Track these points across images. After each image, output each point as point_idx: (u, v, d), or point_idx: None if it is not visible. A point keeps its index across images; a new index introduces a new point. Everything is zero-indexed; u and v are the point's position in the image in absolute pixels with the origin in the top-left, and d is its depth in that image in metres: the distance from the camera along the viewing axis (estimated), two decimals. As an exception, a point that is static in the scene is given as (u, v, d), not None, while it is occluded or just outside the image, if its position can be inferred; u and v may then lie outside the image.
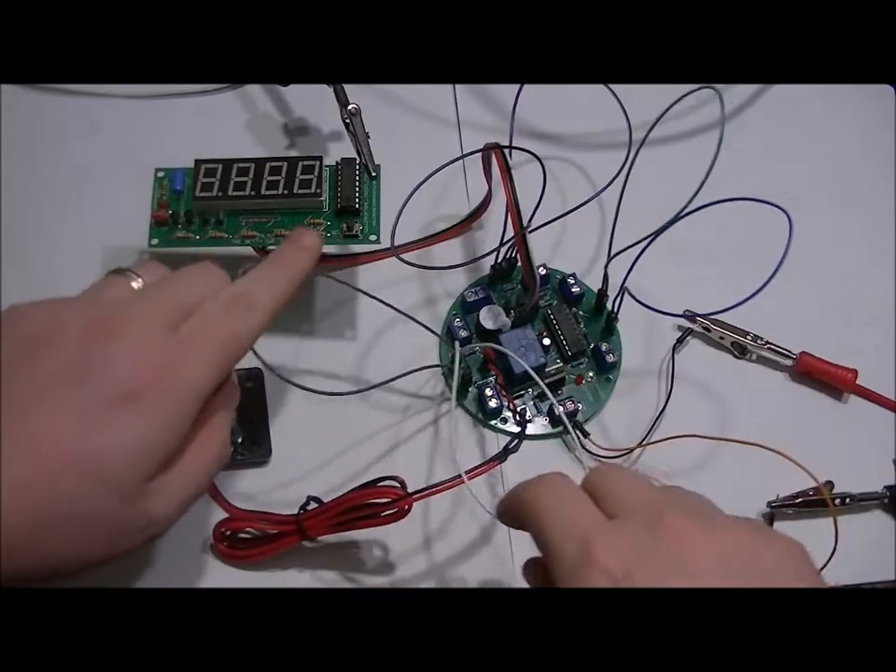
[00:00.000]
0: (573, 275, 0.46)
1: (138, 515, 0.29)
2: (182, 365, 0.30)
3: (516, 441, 0.39)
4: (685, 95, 0.39)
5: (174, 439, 0.30)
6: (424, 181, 0.38)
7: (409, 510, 0.37)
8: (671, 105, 0.39)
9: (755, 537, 0.27)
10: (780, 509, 0.42)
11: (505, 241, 0.44)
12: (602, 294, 0.45)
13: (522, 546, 0.41)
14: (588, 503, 0.29)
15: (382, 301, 0.41)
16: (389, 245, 0.39)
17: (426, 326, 0.42)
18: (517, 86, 0.44)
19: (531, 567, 0.32)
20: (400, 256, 0.40)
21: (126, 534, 0.29)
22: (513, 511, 0.31)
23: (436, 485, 0.37)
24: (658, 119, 0.39)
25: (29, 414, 0.28)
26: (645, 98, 0.43)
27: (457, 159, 0.40)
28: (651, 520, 0.27)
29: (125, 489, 0.29)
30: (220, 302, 0.32)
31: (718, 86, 0.38)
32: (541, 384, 0.40)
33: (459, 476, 0.37)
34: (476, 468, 0.37)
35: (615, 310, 0.44)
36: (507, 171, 0.41)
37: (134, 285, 0.32)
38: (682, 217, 0.37)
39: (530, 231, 0.42)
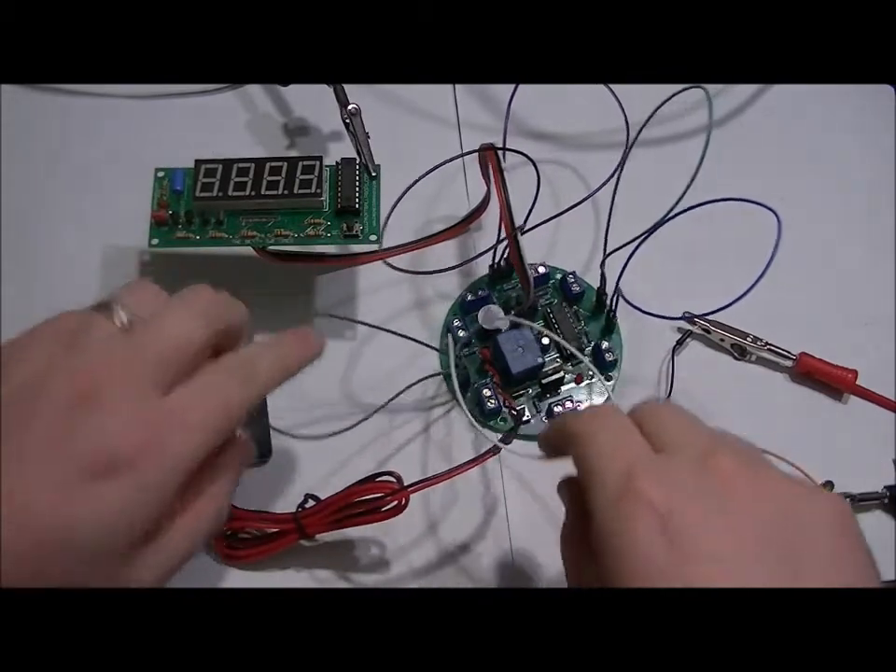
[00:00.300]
0: (573, 273, 0.46)
1: (120, 584, 0.28)
2: (167, 437, 0.28)
3: (511, 432, 0.39)
4: (673, 96, 0.39)
5: (155, 512, 0.29)
6: (415, 182, 0.38)
7: (406, 504, 0.37)
8: (660, 105, 0.39)
9: (801, 488, 0.27)
10: (780, 509, 0.42)
11: (500, 240, 0.43)
12: (601, 292, 0.45)
13: (522, 544, 0.41)
14: (635, 432, 0.29)
15: (370, 324, 0.42)
16: (377, 248, 0.39)
17: (418, 340, 0.42)
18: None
19: (566, 487, 0.31)
20: (389, 260, 0.40)
21: None
22: (557, 436, 0.31)
23: (442, 473, 0.37)
24: (648, 119, 0.40)
25: (11, 479, 0.26)
26: (645, 98, 0.43)
27: (452, 159, 0.40)
28: (698, 457, 0.27)
29: (103, 561, 0.28)
30: (220, 370, 0.30)
31: (710, 86, 0.38)
32: (582, 357, 0.41)
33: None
34: (471, 460, 0.38)
35: (613, 309, 0.44)
36: (499, 172, 0.41)
37: (118, 322, 0.30)
38: (672, 217, 0.37)
39: (526, 231, 0.42)
